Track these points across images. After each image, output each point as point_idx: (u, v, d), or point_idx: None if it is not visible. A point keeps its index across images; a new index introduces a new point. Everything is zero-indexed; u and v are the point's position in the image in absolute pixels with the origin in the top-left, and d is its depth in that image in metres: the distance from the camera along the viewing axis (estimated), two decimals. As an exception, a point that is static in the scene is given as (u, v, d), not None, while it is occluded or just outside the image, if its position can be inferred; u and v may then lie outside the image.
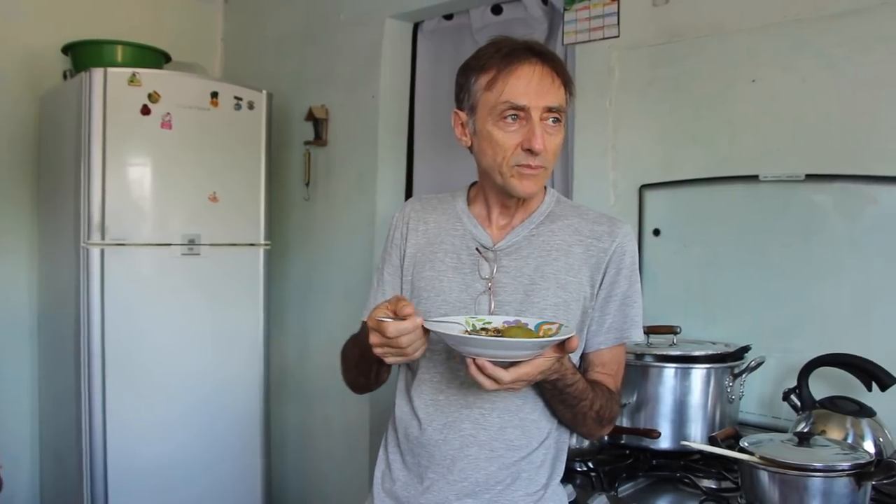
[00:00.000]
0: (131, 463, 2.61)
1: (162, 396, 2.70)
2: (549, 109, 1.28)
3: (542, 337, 1.17)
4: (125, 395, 2.60)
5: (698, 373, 1.78)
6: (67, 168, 2.66)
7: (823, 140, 1.87)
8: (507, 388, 1.16)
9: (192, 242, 2.75)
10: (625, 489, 1.64)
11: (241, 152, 2.88)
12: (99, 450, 2.55)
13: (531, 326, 1.21)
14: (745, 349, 1.85)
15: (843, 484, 1.30)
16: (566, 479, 1.44)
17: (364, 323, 1.32)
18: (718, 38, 2.05)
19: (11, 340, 2.98)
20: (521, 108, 1.27)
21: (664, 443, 1.76)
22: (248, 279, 2.93)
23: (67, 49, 2.85)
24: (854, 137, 1.83)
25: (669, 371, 1.79)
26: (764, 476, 1.35)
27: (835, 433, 1.60)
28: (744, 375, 1.82)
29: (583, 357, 1.40)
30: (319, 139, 3.09)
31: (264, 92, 2.94)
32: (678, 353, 1.80)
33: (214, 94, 2.79)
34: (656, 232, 2.18)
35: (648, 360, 1.80)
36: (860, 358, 1.68)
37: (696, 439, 1.75)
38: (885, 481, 1.36)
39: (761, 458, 1.35)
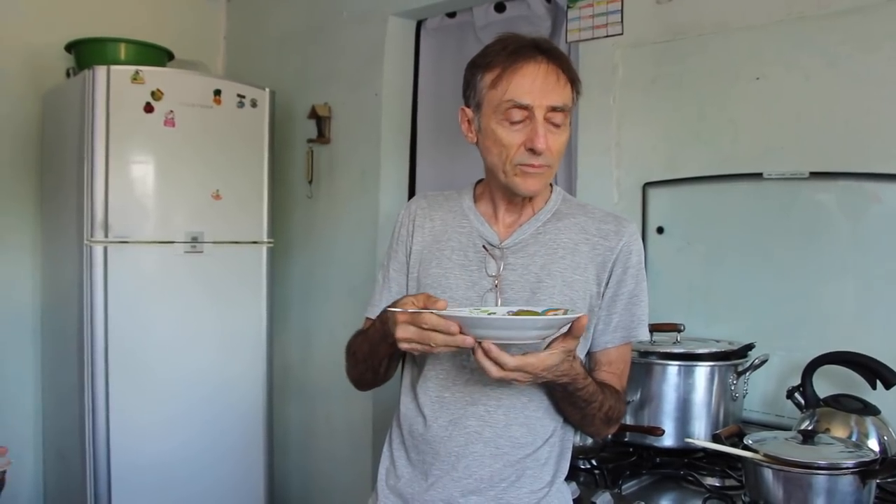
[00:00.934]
0: (134, 461, 2.61)
1: (165, 394, 2.70)
2: (554, 109, 1.28)
3: None
4: (128, 392, 2.60)
5: (702, 371, 1.79)
6: (70, 166, 2.67)
7: (827, 138, 1.87)
8: (512, 380, 1.16)
9: (194, 240, 2.75)
10: (628, 487, 1.64)
11: (243, 150, 2.88)
12: (102, 448, 2.55)
13: (538, 311, 1.20)
14: (749, 347, 1.85)
15: (847, 482, 1.30)
16: (570, 477, 1.44)
17: (376, 318, 1.31)
18: (722, 36, 2.04)
19: (15, 338, 2.98)
20: (525, 107, 1.27)
21: (668, 440, 1.76)
22: (250, 277, 2.93)
23: (70, 47, 2.85)
24: (858, 135, 1.83)
25: (673, 369, 1.79)
26: (768, 474, 1.35)
27: (839, 431, 1.60)
28: (747, 373, 1.82)
29: (589, 356, 1.40)
30: (322, 137, 3.08)
31: (267, 90, 2.94)
32: (682, 350, 1.81)
33: (217, 92, 2.79)
34: (660, 230, 2.18)
35: (652, 357, 1.80)
36: (864, 356, 1.68)
37: (700, 437, 1.75)
38: (889, 479, 1.37)
39: (765, 455, 1.35)
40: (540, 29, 2.52)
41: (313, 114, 3.06)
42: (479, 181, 1.46)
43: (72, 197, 2.65)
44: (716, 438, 1.56)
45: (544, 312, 1.19)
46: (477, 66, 1.33)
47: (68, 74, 2.91)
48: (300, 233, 3.26)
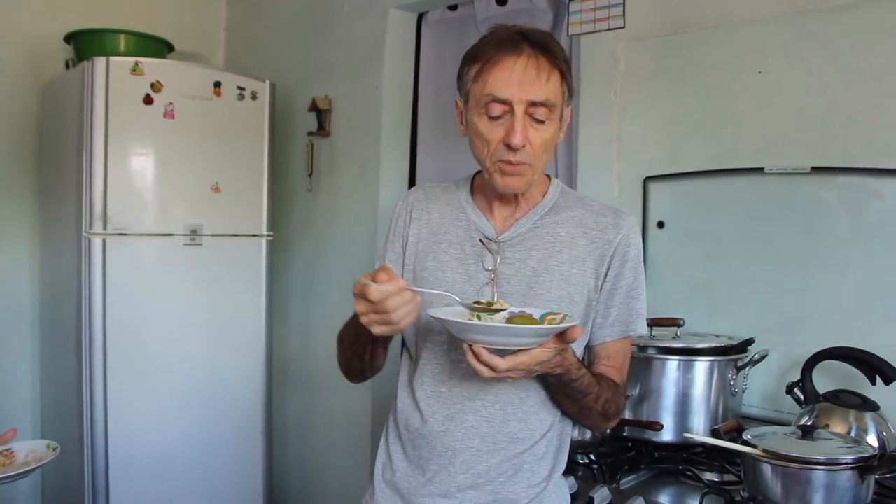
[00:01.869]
0: (132, 452, 2.61)
1: (163, 386, 2.70)
2: (534, 104, 1.24)
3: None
4: (127, 384, 2.60)
5: (701, 365, 1.78)
6: (69, 158, 2.66)
7: (829, 133, 1.86)
8: (505, 377, 1.15)
9: (194, 233, 2.75)
10: (627, 482, 1.64)
11: (243, 143, 2.87)
12: (100, 439, 2.56)
13: (536, 317, 1.20)
14: (749, 342, 1.85)
15: (846, 478, 1.29)
16: (568, 472, 1.44)
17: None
18: (724, 30, 2.03)
19: (13, 330, 2.98)
20: (504, 102, 1.24)
21: (667, 435, 1.76)
22: (250, 270, 2.93)
23: (70, 38, 2.84)
24: (860, 130, 1.82)
25: (672, 364, 1.78)
26: (767, 469, 1.35)
27: (838, 427, 1.59)
28: (747, 368, 1.82)
29: (588, 349, 1.39)
30: (323, 130, 3.08)
31: (267, 82, 2.93)
32: (681, 345, 1.80)
33: (217, 84, 2.78)
34: (660, 224, 2.17)
35: (652, 352, 1.79)
36: (864, 351, 1.67)
37: (699, 432, 1.75)
38: (888, 475, 1.36)
39: (764, 451, 1.35)
40: (541, 22, 2.51)
41: (313, 106, 3.05)
42: (478, 172, 1.44)
43: (70, 189, 2.64)
44: (715, 433, 1.56)
45: (543, 317, 1.18)
46: (467, 57, 1.31)
47: (67, 66, 2.90)
48: (300, 226, 3.25)
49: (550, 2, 2.53)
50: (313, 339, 3.18)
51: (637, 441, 1.80)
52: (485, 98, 1.25)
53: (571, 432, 1.43)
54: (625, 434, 1.81)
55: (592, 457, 1.74)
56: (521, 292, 1.31)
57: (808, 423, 1.60)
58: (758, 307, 1.97)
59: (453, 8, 2.84)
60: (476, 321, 1.16)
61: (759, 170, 1.96)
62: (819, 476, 1.30)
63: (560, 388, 1.28)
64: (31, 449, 1.48)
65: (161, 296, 2.70)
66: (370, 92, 2.92)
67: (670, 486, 1.64)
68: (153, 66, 2.63)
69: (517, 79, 1.23)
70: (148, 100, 2.61)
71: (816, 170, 1.87)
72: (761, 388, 1.94)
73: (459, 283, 1.34)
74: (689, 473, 1.65)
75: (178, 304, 2.74)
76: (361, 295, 1.12)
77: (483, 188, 1.41)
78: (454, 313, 1.19)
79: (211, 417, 2.81)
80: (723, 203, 2.05)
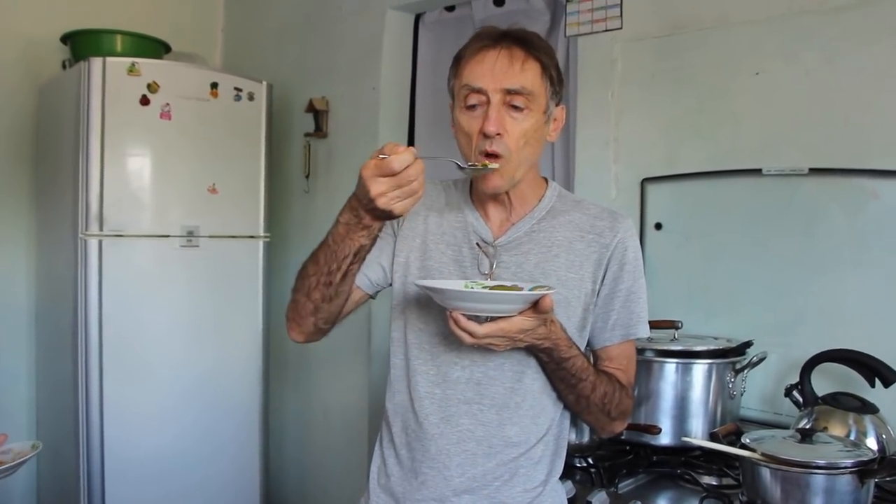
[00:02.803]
0: (129, 454, 2.60)
1: (160, 388, 2.69)
2: (510, 91, 1.24)
3: None
4: (123, 386, 2.59)
5: (700, 368, 1.77)
6: (66, 158, 2.65)
7: (827, 134, 1.86)
8: (489, 345, 1.16)
9: (190, 234, 2.74)
10: (625, 485, 1.63)
11: (240, 144, 2.87)
12: (96, 440, 2.55)
13: (526, 290, 1.20)
14: (747, 345, 1.84)
15: (845, 481, 1.29)
16: (566, 475, 1.43)
17: (338, 213, 1.24)
18: (722, 31, 2.03)
19: (9, 331, 2.97)
20: (480, 91, 1.25)
21: (665, 439, 1.75)
22: (247, 271, 2.92)
23: (66, 38, 2.83)
24: (858, 131, 1.81)
25: (670, 366, 1.78)
26: (766, 473, 1.34)
27: (837, 430, 1.59)
28: (745, 371, 1.81)
29: (592, 352, 1.39)
30: (320, 131, 3.07)
31: (264, 83, 2.92)
32: (679, 348, 1.79)
33: (214, 85, 2.77)
34: (658, 226, 2.16)
35: (649, 355, 1.78)
36: (863, 354, 1.66)
37: (698, 435, 1.74)
38: (888, 479, 1.36)
39: (763, 454, 1.34)
40: (538, 23, 2.50)
41: (311, 107, 3.04)
42: None
43: (67, 190, 2.63)
44: (713, 437, 1.55)
45: (532, 289, 1.19)
46: (453, 59, 1.33)
47: (64, 66, 2.89)
48: (297, 227, 3.24)
49: (547, 2, 2.53)
50: (310, 340, 3.17)
51: (635, 444, 1.80)
52: (463, 90, 1.27)
53: (569, 436, 1.42)
54: (623, 437, 1.79)
55: (590, 460, 1.73)
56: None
57: (807, 426, 1.60)
58: (756, 309, 1.97)
59: (450, 9, 2.83)
60: (453, 287, 1.19)
61: (757, 171, 1.95)
62: (818, 480, 1.29)
63: (553, 368, 1.27)
64: (18, 451, 1.48)
65: (157, 297, 2.69)
66: (367, 93, 2.91)
67: (669, 489, 1.64)
68: (150, 67, 2.62)
69: (490, 67, 1.25)
70: (145, 100, 2.60)
71: (814, 171, 1.87)
72: (760, 390, 1.94)
73: (456, 284, 1.33)
74: (687, 477, 1.65)
75: (174, 306, 2.73)
76: (379, 171, 1.11)
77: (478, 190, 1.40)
78: (447, 285, 1.22)
79: (207, 419, 2.80)
80: (721, 204, 2.04)
